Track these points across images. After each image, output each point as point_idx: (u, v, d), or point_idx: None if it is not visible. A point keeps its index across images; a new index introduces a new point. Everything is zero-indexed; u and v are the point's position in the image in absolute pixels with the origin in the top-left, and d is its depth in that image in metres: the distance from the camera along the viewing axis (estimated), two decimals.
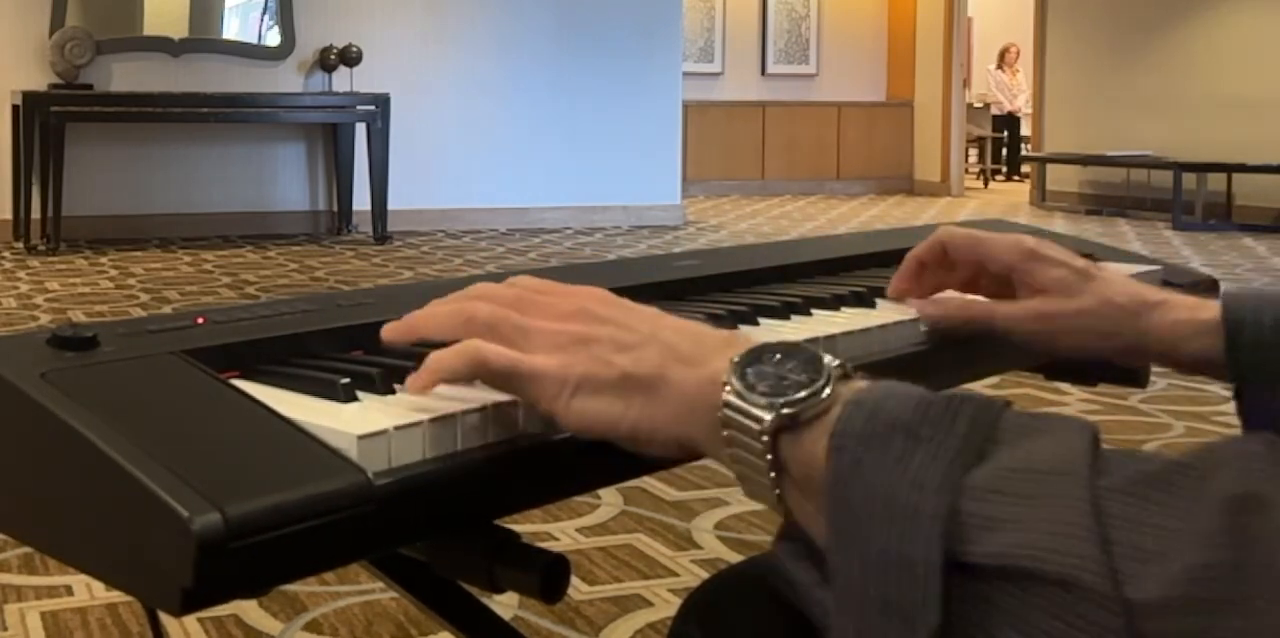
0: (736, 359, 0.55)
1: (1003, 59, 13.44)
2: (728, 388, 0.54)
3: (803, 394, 0.52)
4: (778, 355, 0.54)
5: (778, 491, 0.52)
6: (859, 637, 0.47)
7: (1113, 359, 0.87)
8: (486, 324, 0.61)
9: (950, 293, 0.90)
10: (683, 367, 0.57)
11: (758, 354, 0.55)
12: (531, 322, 0.61)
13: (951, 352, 0.86)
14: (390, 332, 0.66)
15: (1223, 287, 0.84)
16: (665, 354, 0.58)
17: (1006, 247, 0.85)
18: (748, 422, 0.52)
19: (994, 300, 0.86)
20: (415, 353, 0.70)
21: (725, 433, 0.53)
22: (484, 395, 0.62)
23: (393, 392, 0.63)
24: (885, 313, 0.88)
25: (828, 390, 0.52)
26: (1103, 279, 0.83)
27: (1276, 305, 0.77)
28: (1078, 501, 0.44)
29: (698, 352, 0.57)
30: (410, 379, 0.61)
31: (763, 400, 0.52)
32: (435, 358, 0.60)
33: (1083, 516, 0.43)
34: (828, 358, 0.54)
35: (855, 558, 0.47)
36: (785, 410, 0.52)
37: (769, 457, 0.52)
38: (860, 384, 0.53)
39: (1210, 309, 0.79)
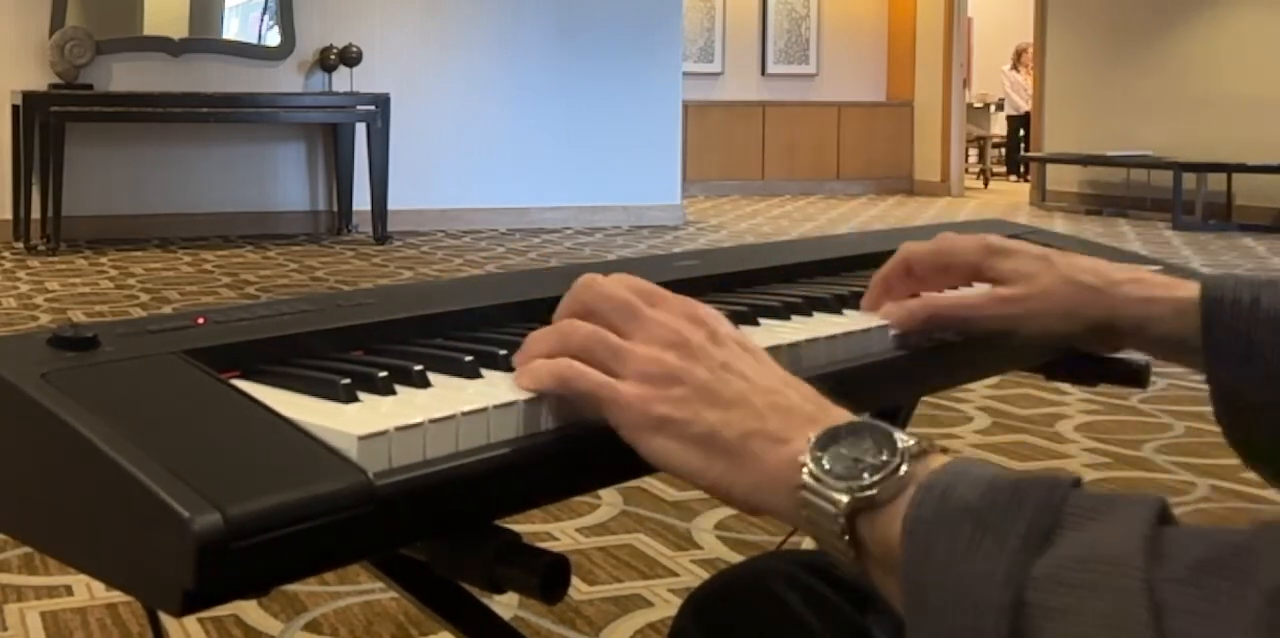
0: (814, 440, 0.55)
1: (1019, 59, 13.30)
2: (805, 471, 0.55)
3: (877, 478, 0.53)
4: (853, 435, 0.55)
5: (860, 567, 0.54)
6: None
7: (1081, 344, 0.85)
8: (582, 347, 0.63)
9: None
10: (766, 442, 0.57)
11: (834, 434, 0.56)
12: (626, 345, 0.62)
13: (951, 350, 0.86)
14: (519, 377, 0.65)
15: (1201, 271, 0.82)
16: (752, 423, 0.58)
17: (968, 247, 0.84)
18: (825, 505, 0.54)
19: (957, 294, 0.85)
20: (416, 354, 0.71)
21: (804, 513, 0.55)
22: (483, 397, 0.62)
23: (394, 392, 0.63)
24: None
25: (902, 471, 0.53)
26: (1067, 262, 0.82)
27: (1256, 287, 0.76)
28: (1133, 591, 0.45)
29: (784, 428, 0.58)
30: (516, 375, 0.64)
31: (839, 484, 0.53)
32: (533, 368, 0.63)
33: (1137, 608, 0.44)
34: (901, 437, 0.54)
35: None
36: (860, 494, 0.53)
37: (847, 537, 0.53)
38: (935, 462, 0.54)
39: (1186, 288, 0.78)
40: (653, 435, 0.59)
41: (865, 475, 0.53)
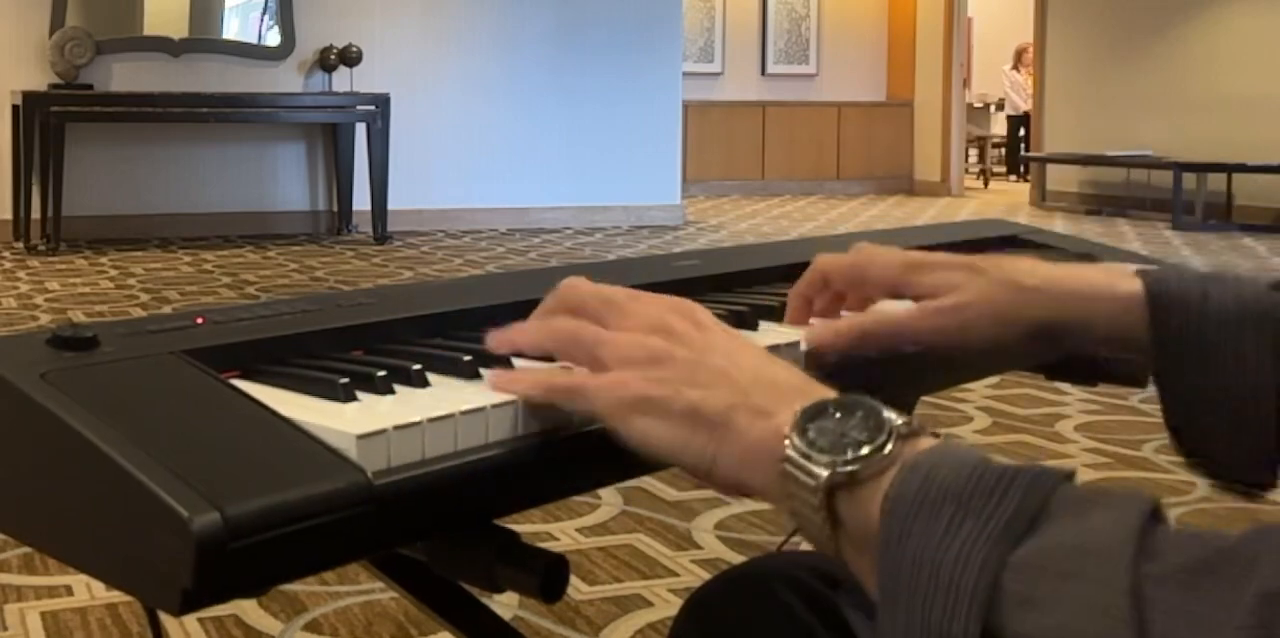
0: (799, 413, 0.54)
1: (1019, 59, 13.27)
2: (788, 443, 0.54)
3: (862, 453, 0.52)
4: (842, 410, 0.54)
5: (833, 545, 0.53)
6: None
7: (1027, 349, 0.80)
8: (567, 337, 0.64)
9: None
10: (750, 415, 0.56)
11: (822, 408, 0.54)
12: (608, 333, 0.62)
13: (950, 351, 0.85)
14: (493, 341, 0.68)
15: (1137, 267, 0.77)
16: (736, 397, 0.57)
17: (884, 263, 0.80)
18: (805, 478, 0.53)
19: (886, 310, 0.80)
20: (415, 354, 0.71)
21: (784, 486, 0.54)
22: (482, 397, 0.62)
23: (392, 391, 0.63)
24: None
25: (888, 449, 0.52)
26: (997, 265, 0.77)
27: (1201, 283, 0.73)
28: (1118, 585, 0.44)
29: (768, 401, 0.57)
30: (497, 379, 0.64)
31: (822, 458, 0.52)
32: (510, 380, 0.64)
33: (1121, 601, 0.43)
34: (890, 415, 0.53)
35: (899, 626, 0.48)
36: (842, 469, 0.52)
37: (824, 513, 0.52)
38: (922, 444, 0.52)
39: (1127, 283, 0.75)
40: (632, 415, 0.58)
41: (849, 451, 0.52)
